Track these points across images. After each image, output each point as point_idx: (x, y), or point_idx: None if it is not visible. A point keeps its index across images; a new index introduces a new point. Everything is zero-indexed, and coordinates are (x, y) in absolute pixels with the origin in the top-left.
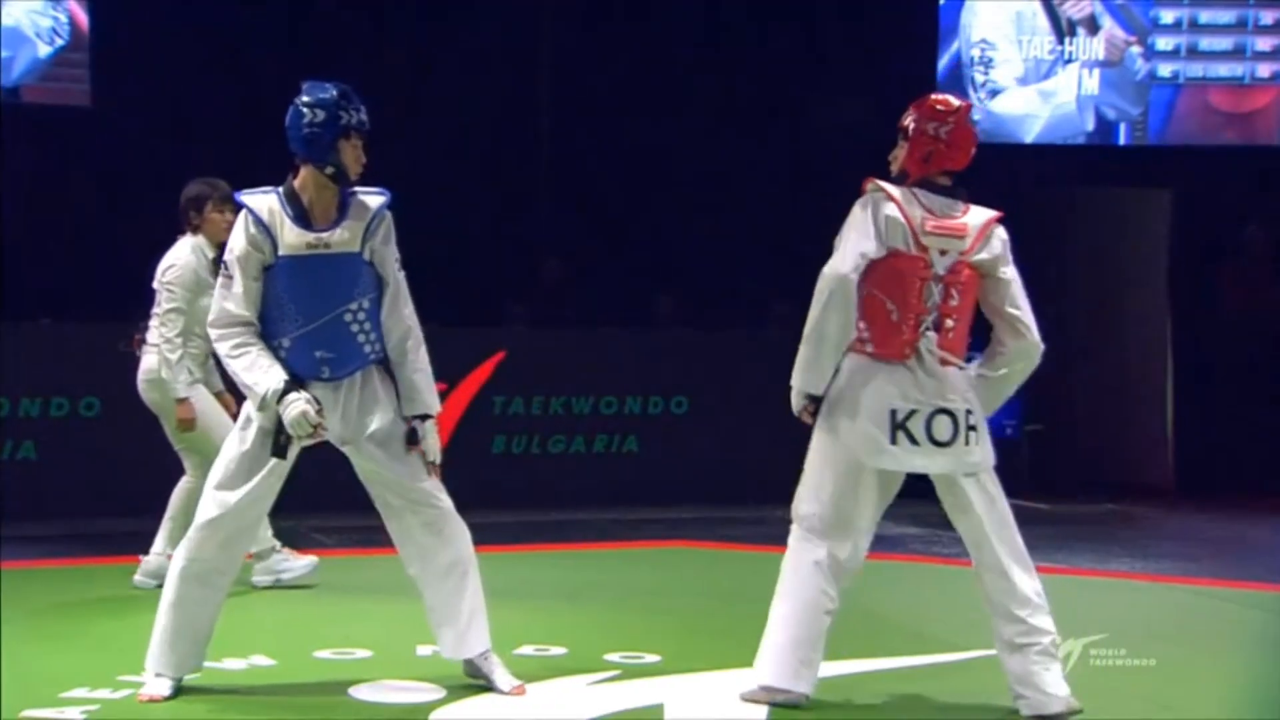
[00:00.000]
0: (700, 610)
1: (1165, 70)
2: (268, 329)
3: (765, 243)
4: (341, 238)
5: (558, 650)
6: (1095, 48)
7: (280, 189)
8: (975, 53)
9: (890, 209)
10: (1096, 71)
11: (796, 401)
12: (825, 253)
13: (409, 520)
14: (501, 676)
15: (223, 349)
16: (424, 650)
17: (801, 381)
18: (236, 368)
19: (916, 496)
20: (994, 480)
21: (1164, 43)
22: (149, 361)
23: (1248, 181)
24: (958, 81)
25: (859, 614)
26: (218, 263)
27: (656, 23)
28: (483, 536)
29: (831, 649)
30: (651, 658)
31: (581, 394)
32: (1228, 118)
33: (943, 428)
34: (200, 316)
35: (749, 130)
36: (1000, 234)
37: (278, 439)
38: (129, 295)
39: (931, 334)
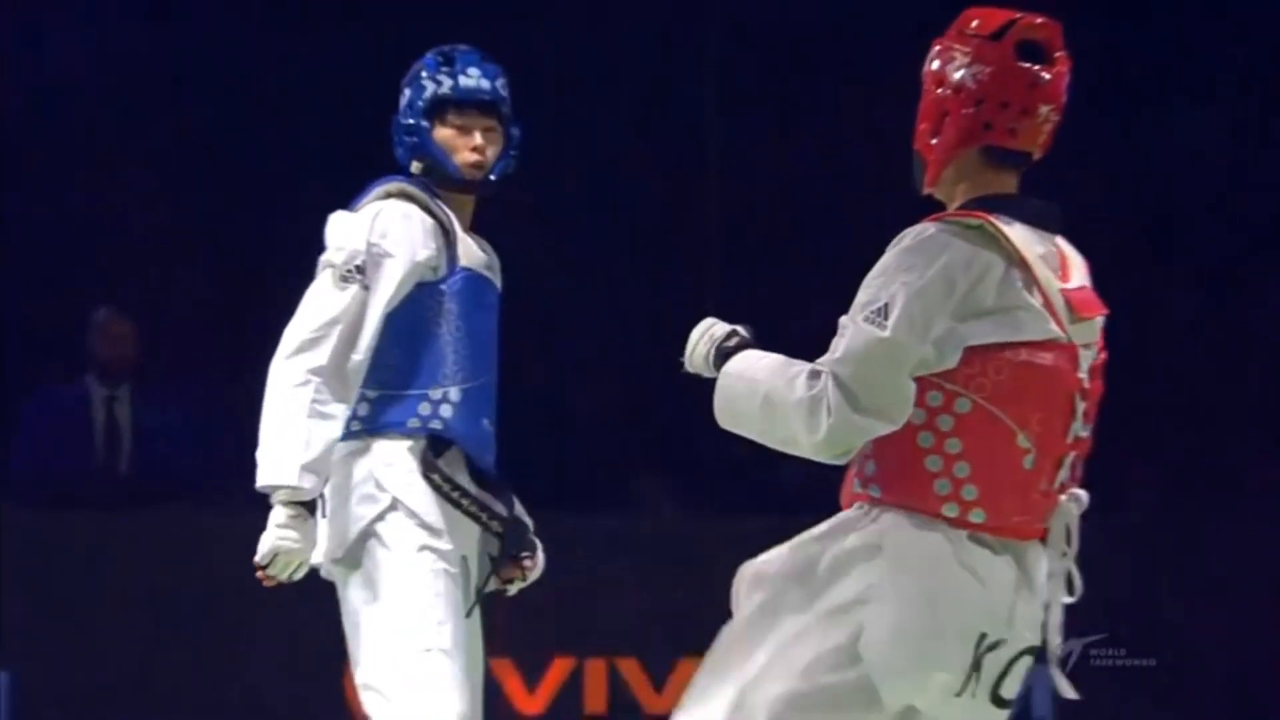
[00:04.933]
0: None
1: None
2: (423, 372)
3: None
4: (494, 264)
5: None
6: None
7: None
8: None
9: (1013, 275)
10: None
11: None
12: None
13: None
14: None
15: (295, 389)
16: None
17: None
18: (286, 421)
19: None
20: None
21: None
22: None
23: None
24: None
25: None
26: None
27: None
28: None
29: None
30: None
31: None
32: None
33: (1019, 677)
34: None
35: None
36: None
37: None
38: None
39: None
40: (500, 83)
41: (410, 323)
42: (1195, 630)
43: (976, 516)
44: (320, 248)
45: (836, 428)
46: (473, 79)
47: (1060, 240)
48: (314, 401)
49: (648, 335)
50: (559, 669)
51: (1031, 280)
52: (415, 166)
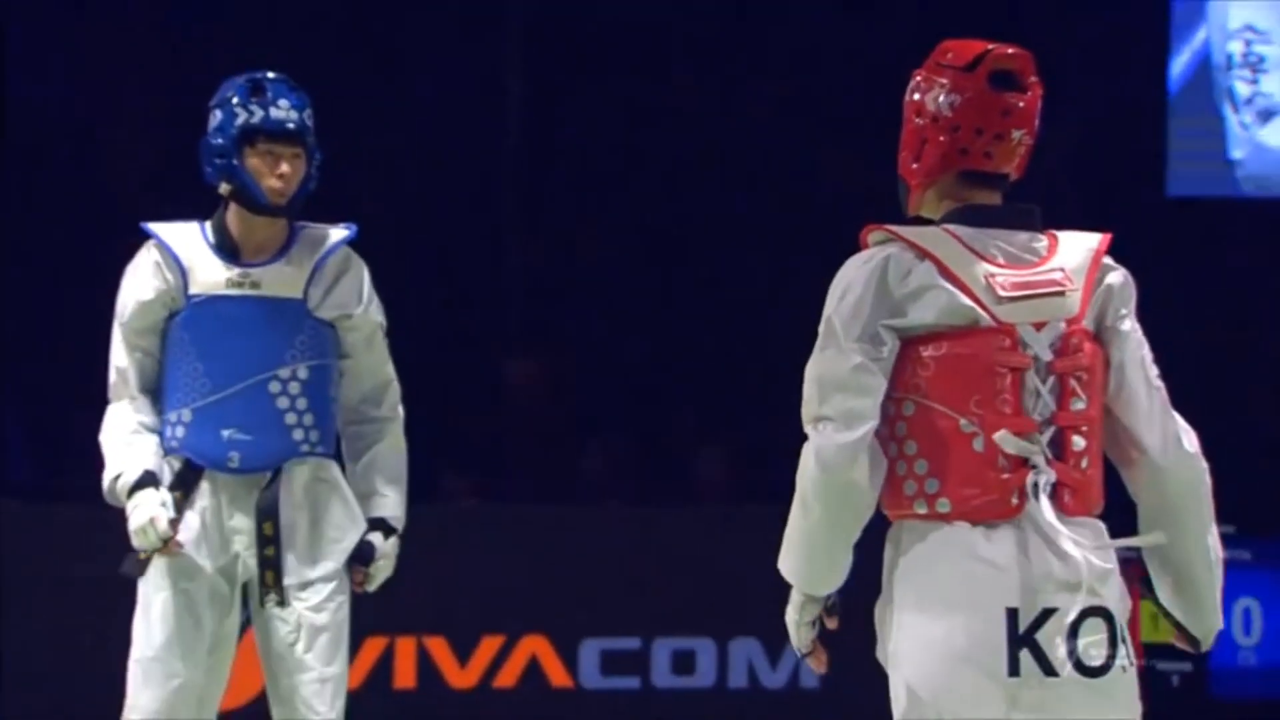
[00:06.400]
0: None
1: None
2: (166, 399)
3: None
4: (276, 276)
5: None
6: None
7: (209, 220)
8: (1236, 47)
9: (919, 266)
10: None
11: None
12: None
13: None
14: None
15: (105, 423)
16: None
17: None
18: (104, 448)
19: None
20: None
21: None
22: None
23: None
24: (1204, 95)
25: None
26: None
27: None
28: None
29: None
30: None
31: None
32: None
33: (1095, 640)
34: None
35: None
36: (1117, 276)
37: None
38: None
39: (1045, 468)
40: (307, 113)
41: (161, 354)
42: None
43: (942, 506)
44: (128, 232)
45: (822, 451)
46: (282, 110)
47: (1065, 234)
48: (128, 428)
49: (450, 333)
50: (372, 647)
51: (942, 268)
52: (224, 188)
